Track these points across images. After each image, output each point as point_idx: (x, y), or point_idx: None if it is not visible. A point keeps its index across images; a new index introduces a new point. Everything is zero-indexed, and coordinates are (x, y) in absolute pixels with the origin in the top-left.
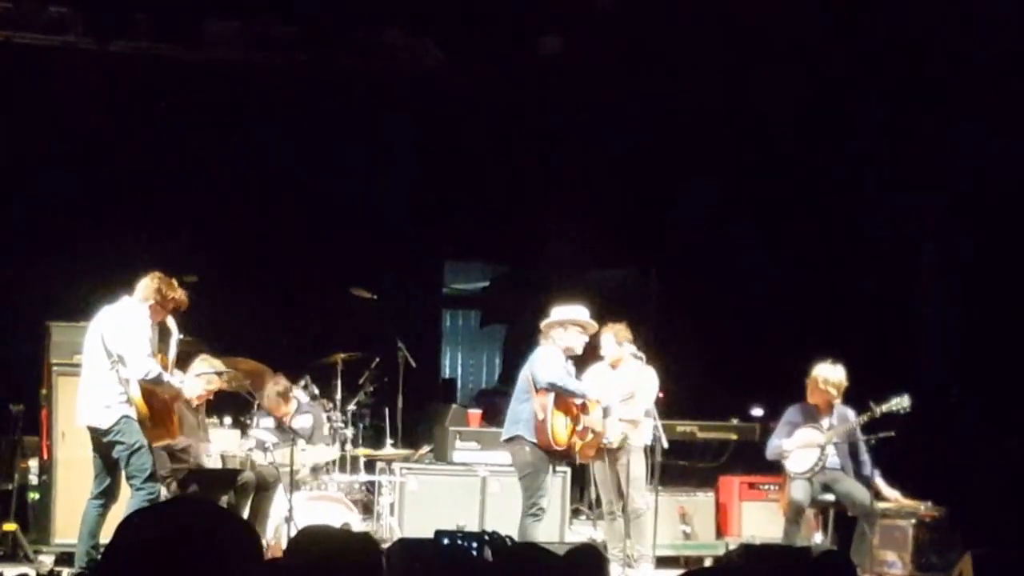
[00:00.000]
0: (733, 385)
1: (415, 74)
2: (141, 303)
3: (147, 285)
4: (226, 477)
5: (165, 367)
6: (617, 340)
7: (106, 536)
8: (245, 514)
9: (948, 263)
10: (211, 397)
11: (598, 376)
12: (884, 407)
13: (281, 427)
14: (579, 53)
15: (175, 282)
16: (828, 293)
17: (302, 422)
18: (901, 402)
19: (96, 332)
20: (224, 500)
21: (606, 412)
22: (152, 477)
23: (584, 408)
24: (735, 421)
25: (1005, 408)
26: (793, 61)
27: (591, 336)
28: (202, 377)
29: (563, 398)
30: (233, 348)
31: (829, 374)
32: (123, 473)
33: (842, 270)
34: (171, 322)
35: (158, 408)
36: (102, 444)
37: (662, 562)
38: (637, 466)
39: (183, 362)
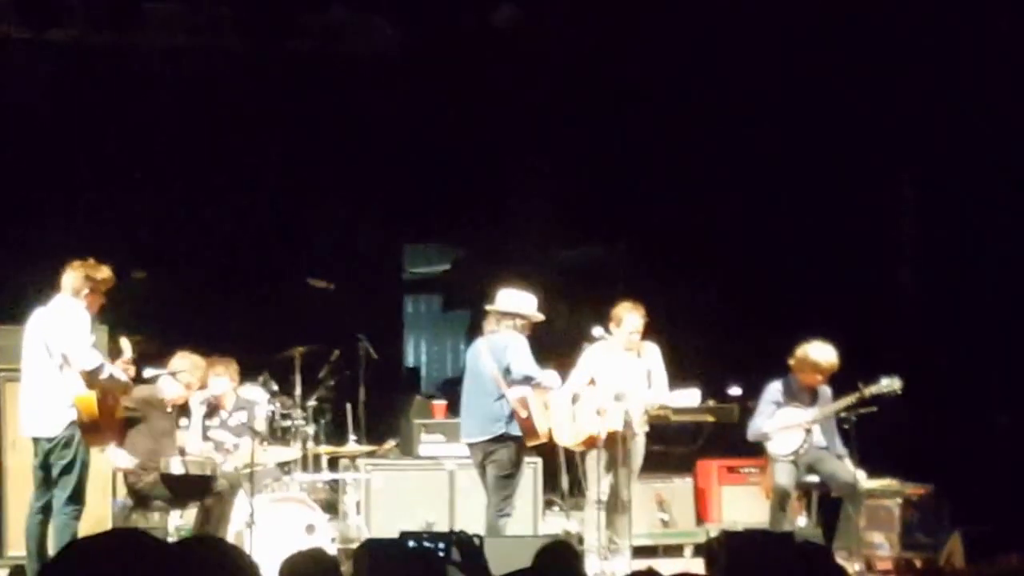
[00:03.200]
0: (709, 364)
1: (365, 53)
2: (75, 297)
3: (74, 277)
4: (200, 484)
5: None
6: (643, 316)
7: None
8: (217, 521)
9: (929, 235)
10: (188, 399)
11: (604, 358)
12: (873, 389)
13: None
14: (536, 23)
15: (94, 262)
16: (805, 266)
17: (238, 418)
18: (892, 384)
19: (34, 336)
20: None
21: (619, 397)
22: (78, 498)
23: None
24: (711, 402)
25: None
26: (761, 29)
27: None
28: (181, 375)
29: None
30: (185, 346)
31: (820, 355)
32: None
33: (820, 243)
34: (125, 343)
35: (106, 410)
36: (47, 454)
37: (640, 552)
38: (641, 455)
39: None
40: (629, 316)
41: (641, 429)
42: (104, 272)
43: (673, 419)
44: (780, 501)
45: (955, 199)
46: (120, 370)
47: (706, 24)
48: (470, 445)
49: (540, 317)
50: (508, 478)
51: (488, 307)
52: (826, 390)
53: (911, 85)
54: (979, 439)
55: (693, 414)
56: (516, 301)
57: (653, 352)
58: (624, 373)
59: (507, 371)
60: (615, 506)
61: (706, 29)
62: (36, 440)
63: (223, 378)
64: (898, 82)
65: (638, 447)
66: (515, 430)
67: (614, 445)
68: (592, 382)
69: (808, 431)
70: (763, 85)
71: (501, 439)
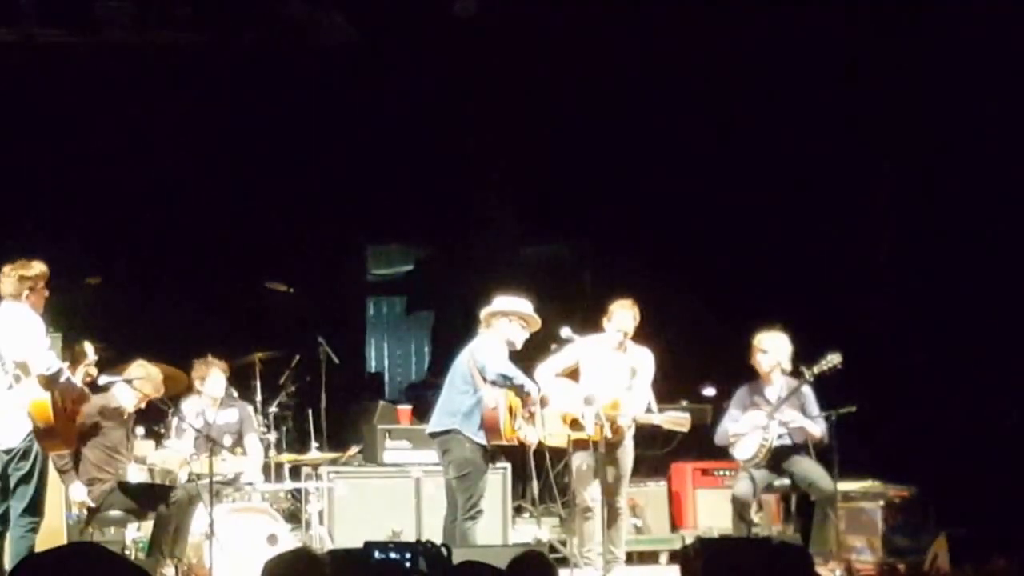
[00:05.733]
0: (681, 364)
1: (323, 49)
2: (16, 301)
3: (9, 282)
4: (156, 493)
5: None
6: (635, 317)
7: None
8: (176, 533)
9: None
10: (143, 406)
11: (591, 353)
12: (815, 368)
13: (205, 433)
14: (496, 16)
15: (24, 260)
16: (781, 266)
17: (227, 417)
18: (832, 360)
19: None
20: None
21: (588, 401)
22: (35, 510)
23: (527, 400)
24: (684, 403)
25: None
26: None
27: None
28: (136, 383)
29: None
30: (142, 352)
31: (766, 340)
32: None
33: (797, 241)
34: (88, 347)
35: (61, 415)
36: (4, 465)
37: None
38: (630, 460)
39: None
40: (619, 313)
41: (626, 433)
42: (36, 267)
43: (642, 422)
44: (739, 511)
45: (936, 193)
46: (77, 378)
47: (669, 15)
48: (431, 436)
49: (536, 318)
50: (464, 479)
51: (483, 310)
52: (791, 382)
53: (887, 76)
54: (963, 439)
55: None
56: (508, 302)
57: (644, 357)
58: (607, 372)
59: (483, 371)
60: (608, 514)
61: (668, 20)
62: None
63: (221, 378)
64: (873, 73)
65: (624, 452)
66: (469, 429)
67: (593, 450)
68: (573, 373)
69: (765, 430)
70: (733, 77)
71: (450, 433)
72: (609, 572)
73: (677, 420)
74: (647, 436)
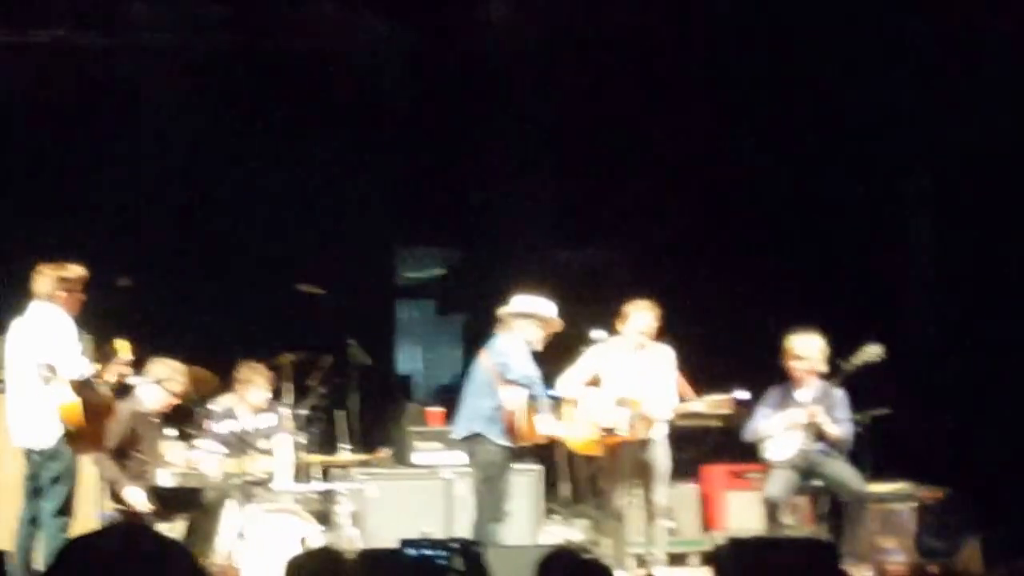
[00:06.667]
0: (714, 368)
1: (355, 51)
2: (50, 302)
3: (42, 281)
4: (187, 496)
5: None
6: (654, 317)
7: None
8: (206, 534)
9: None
10: (171, 408)
11: (610, 359)
12: (854, 360)
13: (241, 438)
14: (531, 17)
15: (62, 262)
16: (818, 270)
17: (266, 421)
18: (872, 351)
19: (17, 347)
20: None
21: (621, 403)
22: (66, 510)
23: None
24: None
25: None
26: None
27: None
28: (163, 383)
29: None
30: (172, 354)
31: (800, 344)
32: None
33: (832, 244)
34: (122, 346)
35: (92, 416)
36: (37, 466)
37: (644, 561)
38: (666, 459)
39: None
40: (637, 314)
41: (658, 433)
42: (74, 270)
43: (678, 424)
44: (770, 512)
45: (972, 194)
46: (111, 376)
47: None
48: (459, 443)
49: (557, 320)
50: (488, 481)
51: (500, 310)
52: (826, 385)
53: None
54: (995, 440)
55: (698, 418)
56: (530, 303)
57: (664, 354)
58: (628, 375)
59: (505, 371)
60: (647, 515)
61: (706, 18)
62: (27, 452)
63: (264, 388)
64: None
65: (659, 451)
66: (493, 433)
67: (625, 451)
68: (595, 382)
69: (805, 431)
70: (768, 77)
71: (476, 438)
72: (650, 573)
73: (719, 403)
74: (679, 438)
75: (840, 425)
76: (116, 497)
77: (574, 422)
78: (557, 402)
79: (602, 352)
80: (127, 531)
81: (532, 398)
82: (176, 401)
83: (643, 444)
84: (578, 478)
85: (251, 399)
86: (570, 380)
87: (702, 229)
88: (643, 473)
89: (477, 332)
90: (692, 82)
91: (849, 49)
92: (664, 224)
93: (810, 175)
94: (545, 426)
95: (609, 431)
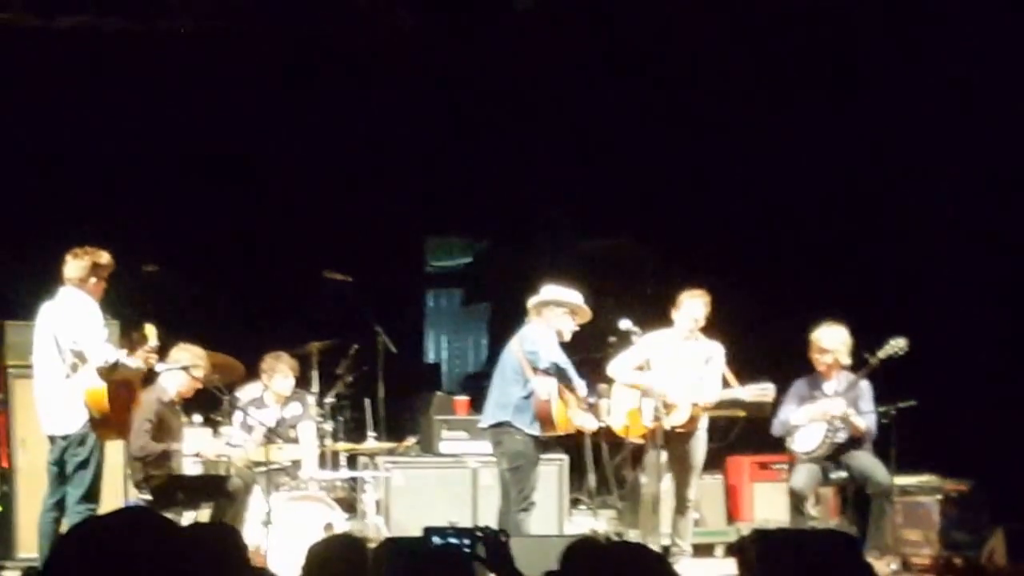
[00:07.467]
0: (740, 358)
1: (385, 40)
2: (80, 288)
3: (76, 266)
4: (213, 484)
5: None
6: (707, 305)
7: None
8: (232, 522)
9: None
10: (193, 393)
11: (662, 347)
12: (880, 353)
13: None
14: (558, 8)
15: (94, 248)
16: (842, 262)
17: (292, 411)
18: (897, 344)
19: (44, 332)
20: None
21: (647, 392)
22: (91, 497)
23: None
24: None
25: None
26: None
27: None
28: (193, 371)
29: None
30: (199, 341)
31: (825, 337)
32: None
33: (855, 227)
34: (151, 331)
35: (118, 404)
36: (62, 452)
37: (670, 552)
38: (702, 453)
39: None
40: (689, 302)
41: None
42: (106, 257)
43: (725, 397)
44: (796, 503)
45: (1002, 185)
46: (136, 362)
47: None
48: (485, 431)
49: (585, 309)
50: (516, 471)
51: (530, 300)
52: (852, 377)
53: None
54: (1021, 433)
55: (724, 409)
56: (558, 291)
57: (715, 348)
58: (678, 364)
59: (535, 360)
60: (677, 508)
61: (734, 15)
62: (52, 437)
63: (290, 377)
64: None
65: (698, 444)
66: (521, 422)
67: (666, 441)
68: (644, 367)
69: (830, 423)
70: (795, 76)
71: (503, 427)
72: (676, 564)
73: (761, 393)
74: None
75: (865, 417)
76: (139, 485)
77: (616, 408)
78: (594, 389)
79: (651, 342)
80: (137, 514)
81: (568, 385)
82: (198, 386)
83: (682, 435)
84: (604, 468)
85: (277, 387)
86: (621, 369)
87: (729, 219)
88: (679, 464)
89: (503, 321)
90: (721, 73)
91: (885, 52)
92: (691, 215)
93: (835, 165)
94: (580, 419)
95: (658, 417)
